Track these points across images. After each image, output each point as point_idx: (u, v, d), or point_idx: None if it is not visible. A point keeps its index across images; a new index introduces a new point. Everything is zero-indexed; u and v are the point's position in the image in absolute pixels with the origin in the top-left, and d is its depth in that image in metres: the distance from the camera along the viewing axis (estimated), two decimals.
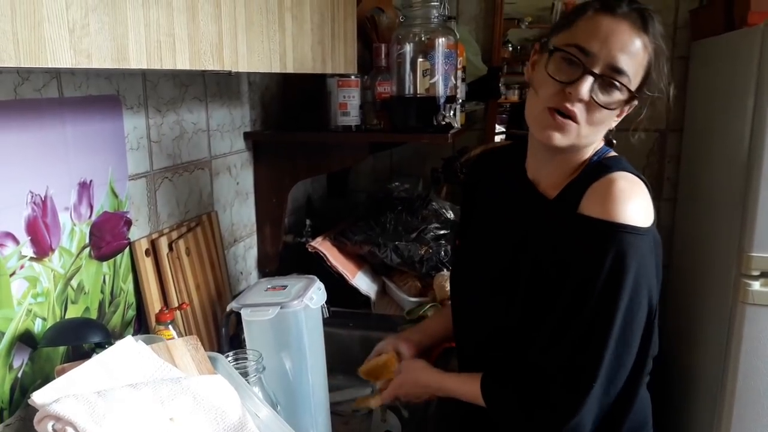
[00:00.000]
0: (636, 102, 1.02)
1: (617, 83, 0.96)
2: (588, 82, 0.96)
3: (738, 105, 1.64)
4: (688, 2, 2.17)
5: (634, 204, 0.96)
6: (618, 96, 0.98)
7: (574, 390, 0.96)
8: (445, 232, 1.88)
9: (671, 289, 2.31)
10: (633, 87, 0.98)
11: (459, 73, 1.76)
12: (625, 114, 1.04)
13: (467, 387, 1.09)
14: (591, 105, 0.97)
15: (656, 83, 1.01)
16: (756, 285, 1.57)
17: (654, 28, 0.98)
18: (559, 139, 1.00)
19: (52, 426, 0.69)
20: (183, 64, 0.86)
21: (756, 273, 1.57)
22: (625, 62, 0.96)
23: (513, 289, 1.06)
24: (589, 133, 1.00)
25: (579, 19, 1.00)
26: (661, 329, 2.30)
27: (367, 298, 1.83)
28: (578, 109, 0.98)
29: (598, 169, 1.02)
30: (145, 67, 0.78)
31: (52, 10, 0.63)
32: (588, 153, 1.06)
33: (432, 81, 1.61)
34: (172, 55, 0.83)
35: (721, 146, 1.80)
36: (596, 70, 0.96)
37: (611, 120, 1.02)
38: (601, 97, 0.97)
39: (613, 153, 1.08)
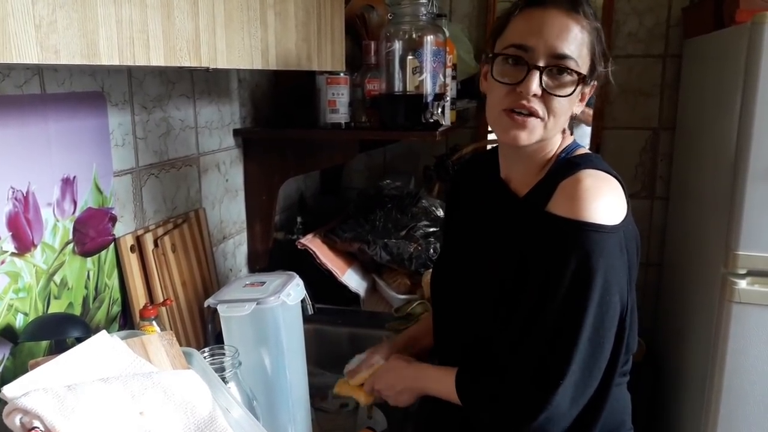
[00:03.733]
0: (593, 82, 1.03)
1: (565, 69, 0.97)
2: (535, 77, 0.96)
3: (726, 103, 1.64)
4: (681, 0, 2.16)
5: (601, 202, 0.96)
6: (569, 79, 0.98)
7: (542, 387, 0.95)
8: (435, 229, 1.89)
9: (662, 287, 2.31)
10: (582, 68, 0.99)
11: (448, 70, 1.76)
12: (588, 97, 1.04)
13: (444, 380, 1.09)
14: (546, 96, 0.98)
15: (598, 61, 1.02)
16: (742, 283, 1.56)
17: (585, 8, 0.98)
18: (524, 138, 1.00)
19: (20, 419, 0.70)
20: (157, 60, 0.86)
21: (742, 271, 1.57)
22: (566, 47, 0.97)
23: (487, 290, 1.07)
24: (554, 124, 1.01)
25: (511, 21, 1.01)
26: (651, 328, 2.31)
27: (356, 295, 1.84)
28: (536, 104, 0.98)
29: (567, 166, 1.02)
30: (117, 63, 0.78)
31: (17, 6, 0.64)
32: (554, 149, 1.07)
33: (420, 78, 1.61)
34: (145, 52, 0.84)
35: (710, 145, 1.80)
36: (541, 63, 0.97)
37: (572, 106, 1.02)
38: (553, 86, 0.98)
39: (583, 149, 1.08)
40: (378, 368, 1.28)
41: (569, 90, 0.98)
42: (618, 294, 0.97)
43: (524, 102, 0.98)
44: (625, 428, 1.13)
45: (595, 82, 1.05)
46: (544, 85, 0.97)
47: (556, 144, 1.07)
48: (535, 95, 0.97)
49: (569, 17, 0.97)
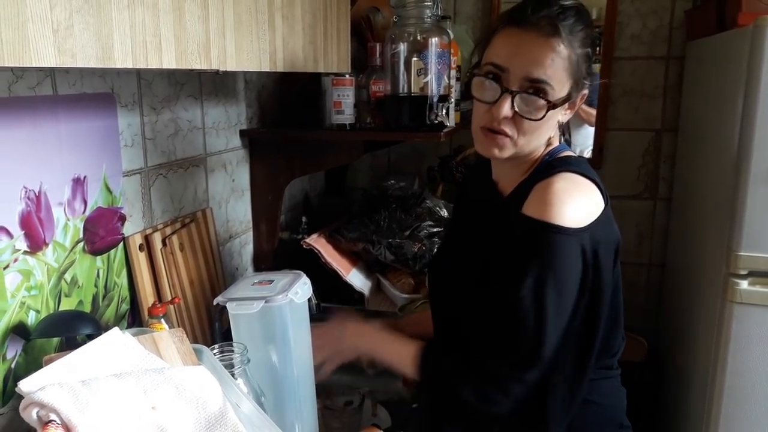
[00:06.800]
0: (583, 92, 1.04)
1: (538, 93, 0.99)
2: (507, 102, 0.99)
3: (728, 106, 1.65)
4: (684, 2, 2.17)
5: (568, 205, 0.97)
6: (541, 104, 0.99)
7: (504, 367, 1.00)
8: (439, 229, 1.90)
9: (664, 287, 2.32)
10: (559, 91, 1.00)
11: (453, 72, 1.78)
12: (578, 106, 1.06)
13: (403, 343, 1.13)
14: (517, 118, 1.00)
15: (581, 81, 1.03)
16: (744, 284, 1.58)
17: (566, 33, 0.98)
18: (497, 153, 1.04)
19: (37, 413, 0.72)
20: (169, 63, 0.88)
21: (744, 272, 1.58)
22: (540, 72, 0.98)
23: (470, 288, 1.09)
24: (526, 142, 1.03)
25: (493, 37, 1.03)
26: (653, 327, 2.32)
27: (361, 294, 1.85)
28: (506, 125, 1.01)
29: (547, 169, 1.04)
30: (131, 66, 0.80)
31: (36, 11, 0.65)
32: (539, 153, 1.09)
33: (425, 80, 1.63)
34: (158, 55, 0.85)
35: (713, 146, 1.81)
36: (514, 87, 0.99)
37: (551, 120, 1.03)
38: (525, 109, 1.00)
39: (567, 152, 1.09)
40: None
41: (540, 114, 1.00)
42: (569, 293, 0.99)
43: (494, 124, 1.01)
44: (615, 424, 1.14)
45: (586, 92, 1.06)
46: (516, 108, 1.00)
47: (540, 149, 1.08)
48: (505, 117, 1.00)
49: (547, 42, 0.97)
